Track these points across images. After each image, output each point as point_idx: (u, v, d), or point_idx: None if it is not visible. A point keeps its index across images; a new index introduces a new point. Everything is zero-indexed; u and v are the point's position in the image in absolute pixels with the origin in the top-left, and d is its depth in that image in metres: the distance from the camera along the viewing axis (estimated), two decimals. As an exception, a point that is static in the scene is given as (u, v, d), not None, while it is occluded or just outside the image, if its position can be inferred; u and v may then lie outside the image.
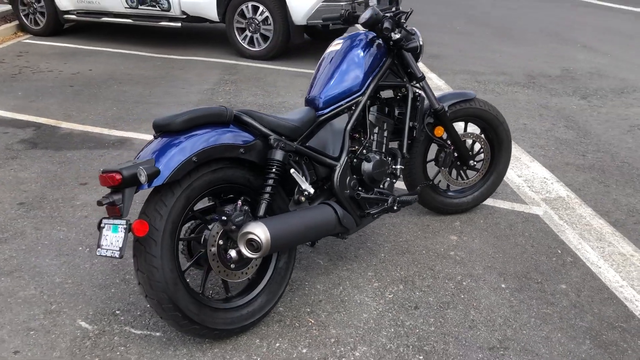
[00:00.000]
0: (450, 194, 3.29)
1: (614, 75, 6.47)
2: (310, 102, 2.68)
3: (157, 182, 2.04)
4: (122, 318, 2.43)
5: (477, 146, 3.26)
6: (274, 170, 2.31)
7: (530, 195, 3.59)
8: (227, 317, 2.26)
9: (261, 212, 2.28)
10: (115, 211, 2.03)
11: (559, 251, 3.00)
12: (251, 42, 6.85)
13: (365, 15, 2.78)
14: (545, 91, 5.85)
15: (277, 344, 2.31)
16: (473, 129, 3.32)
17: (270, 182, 2.31)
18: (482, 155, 3.27)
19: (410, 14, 2.88)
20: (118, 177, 1.98)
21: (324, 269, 2.81)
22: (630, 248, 3.02)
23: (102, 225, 2.09)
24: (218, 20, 6.91)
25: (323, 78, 2.70)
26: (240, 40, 6.89)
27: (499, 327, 2.43)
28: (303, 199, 2.41)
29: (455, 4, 11.41)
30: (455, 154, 3.16)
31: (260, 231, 2.08)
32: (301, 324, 2.43)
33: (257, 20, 6.72)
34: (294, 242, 2.25)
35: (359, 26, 2.78)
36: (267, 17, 6.66)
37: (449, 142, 3.10)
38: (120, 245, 2.00)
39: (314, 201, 2.52)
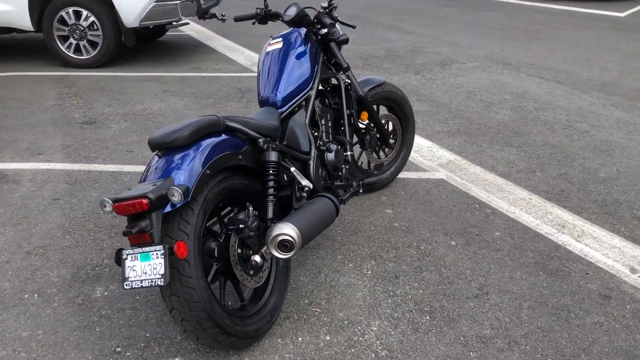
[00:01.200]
0: (374, 172, 3.56)
1: (430, 51, 7.34)
2: (266, 101, 2.71)
3: (184, 200, 1.96)
4: (128, 354, 2.27)
5: (390, 125, 3.56)
6: (271, 172, 2.34)
7: (426, 163, 4.03)
8: (253, 323, 2.25)
9: (270, 214, 2.30)
10: (144, 238, 1.91)
11: (477, 205, 3.45)
12: (77, 50, 6.36)
13: (290, 13, 2.89)
14: (383, 70, 6.43)
15: (300, 339, 2.36)
16: (382, 109, 3.61)
17: (271, 183, 2.33)
18: (397, 133, 3.59)
19: (336, 7, 3.05)
20: (145, 201, 1.87)
21: (296, 262, 2.89)
22: (526, 193, 3.60)
23: (123, 257, 1.94)
24: (33, 29, 6.28)
25: (274, 77, 2.75)
26: (64, 50, 6.36)
27: (471, 277, 2.77)
28: (305, 194, 2.47)
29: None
30: (378, 135, 3.43)
31: (291, 231, 2.12)
32: (309, 315, 2.51)
33: (83, 27, 6.25)
34: (313, 237, 2.32)
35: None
36: (94, 22, 6.23)
37: (372, 125, 3.35)
38: (163, 272, 1.89)
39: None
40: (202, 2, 6.79)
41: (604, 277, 2.76)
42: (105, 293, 2.62)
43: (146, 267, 1.92)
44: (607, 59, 7.02)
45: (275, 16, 3.12)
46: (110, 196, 1.99)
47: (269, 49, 2.87)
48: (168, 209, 1.96)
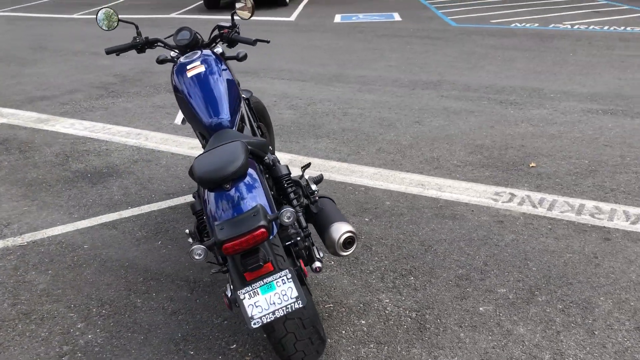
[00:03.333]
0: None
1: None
2: (218, 125, 2.65)
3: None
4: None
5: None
6: (291, 183, 2.38)
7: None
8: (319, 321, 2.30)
9: (304, 223, 2.35)
10: (267, 268, 1.84)
11: (351, 188, 3.91)
12: None
13: (185, 37, 2.89)
14: (146, 93, 6.29)
15: (343, 332, 2.49)
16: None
17: (293, 195, 2.37)
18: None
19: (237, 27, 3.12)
20: (264, 231, 1.81)
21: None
22: (372, 169, 4.21)
23: (240, 297, 1.84)
24: None
25: (212, 100, 2.69)
26: None
27: (428, 240, 3.23)
28: (317, 198, 2.53)
29: None
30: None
31: (350, 227, 2.23)
32: (324, 310, 2.63)
33: None
34: None
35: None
36: None
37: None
38: (296, 294, 1.86)
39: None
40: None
41: (486, 211, 3.54)
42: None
43: (272, 297, 1.84)
44: (321, 56, 8.17)
45: (155, 42, 3.02)
46: (205, 242, 1.83)
47: (190, 74, 2.78)
48: (274, 234, 1.92)
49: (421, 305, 2.63)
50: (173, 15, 12.88)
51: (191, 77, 2.75)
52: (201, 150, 4.64)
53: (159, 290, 2.84)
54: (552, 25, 9.87)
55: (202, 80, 2.73)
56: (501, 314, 2.54)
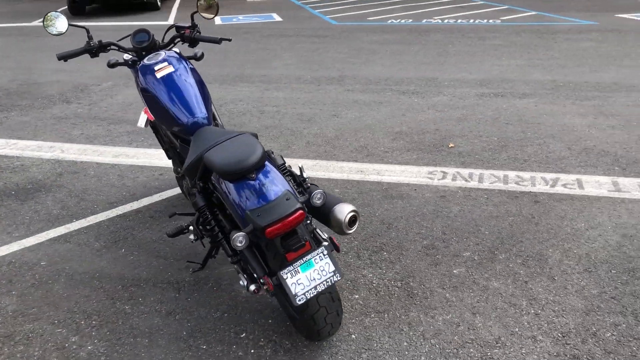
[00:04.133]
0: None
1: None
2: (196, 124, 2.68)
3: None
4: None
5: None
6: (286, 172, 2.49)
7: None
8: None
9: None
10: (306, 247, 1.96)
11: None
12: None
13: (144, 39, 2.92)
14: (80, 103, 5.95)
15: (342, 307, 2.65)
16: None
17: (293, 182, 2.48)
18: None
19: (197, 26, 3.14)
20: (302, 213, 1.94)
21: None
22: (310, 162, 4.39)
23: (283, 277, 1.95)
24: None
25: (188, 98, 2.71)
26: None
27: (386, 218, 3.46)
28: (309, 185, 2.64)
29: None
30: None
31: (352, 207, 2.39)
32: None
33: None
34: None
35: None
36: None
37: None
38: (333, 268, 2.00)
39: None
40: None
41: (427, 188, 3.86)
42: None
43: (312, 273, 1.97)
44: (216, 58, 8.15)
45: (109, 45, 2.99)
46: (245, 229, 1.91)
47: (160, 74, 2.78)
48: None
49: (402, 275, 2.86)
50: (34, 23, 12.12)
51: (161, 77, 2.76)
52: (160, 153, 4.55)
53: (145, 295, 2.81)
54: (425, 20, 10.65)
55: (173, 80, 2.75)
56: (474, 274, 2.85)
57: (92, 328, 2.59)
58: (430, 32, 9.43)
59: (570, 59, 7.33)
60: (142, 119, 3.03)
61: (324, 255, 2.00)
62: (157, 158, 4.54)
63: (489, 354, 2.31)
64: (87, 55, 8.44)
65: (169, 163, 4.44)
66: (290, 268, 1.94)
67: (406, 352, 2.33)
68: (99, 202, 3.84)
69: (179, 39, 3.04)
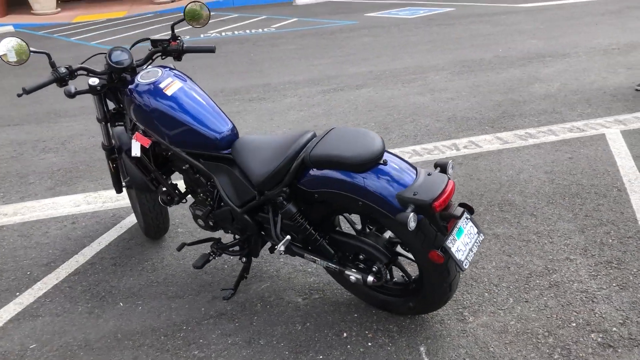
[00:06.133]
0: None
1: None
2: (232, 135, 2.53)
3: None
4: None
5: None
6: None
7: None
8: None
9: None
10: (459, 216, 2.08)
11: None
12: None
13: (125, 58, 2.69)
14: None
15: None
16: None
17: None
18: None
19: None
20: (453, 182, 2.08)
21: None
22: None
23: (450, 247, 2.05)
24: None
25: (213, 111, 2.54)
26: None
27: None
28: None
29: None
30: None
31: None
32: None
33: None
34: None
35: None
36: None
37: None
38: (477, 230, 2.16)
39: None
40: None
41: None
42: None
43: (464, 238, 2.11)
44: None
45: (78, 70, 2.65)
46: (414, 209, 1.97)
47: (170, 91, 2.52)
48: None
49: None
50: None
51: (173, 94, 2.52)
52: (49, 202, 3.87)
53: (201, 335, 2.54)
54: (202, 35, 10.73)
55: (187, 96, 2.55)
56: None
57: (180, 383, 2.27)
58: (220, 45, 9.56)
59: (367, 51, 8.21)
60: (136, 146, 2.68)
61: (467, 219, 2.14)
62: (52, 208, 3.93)
63: (550, 280, 2.70)
64: None
65: (73, 210, 3.88)
66: (450, 237, 2.04)
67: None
68: (29, 267, 3.23)
69: (159, 54, 2.78)
